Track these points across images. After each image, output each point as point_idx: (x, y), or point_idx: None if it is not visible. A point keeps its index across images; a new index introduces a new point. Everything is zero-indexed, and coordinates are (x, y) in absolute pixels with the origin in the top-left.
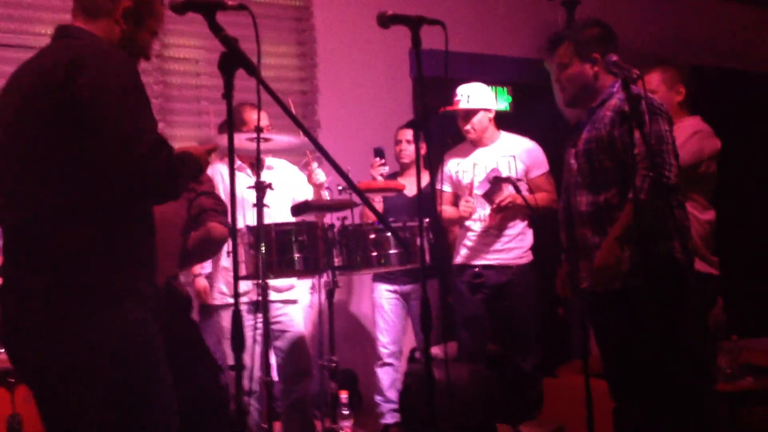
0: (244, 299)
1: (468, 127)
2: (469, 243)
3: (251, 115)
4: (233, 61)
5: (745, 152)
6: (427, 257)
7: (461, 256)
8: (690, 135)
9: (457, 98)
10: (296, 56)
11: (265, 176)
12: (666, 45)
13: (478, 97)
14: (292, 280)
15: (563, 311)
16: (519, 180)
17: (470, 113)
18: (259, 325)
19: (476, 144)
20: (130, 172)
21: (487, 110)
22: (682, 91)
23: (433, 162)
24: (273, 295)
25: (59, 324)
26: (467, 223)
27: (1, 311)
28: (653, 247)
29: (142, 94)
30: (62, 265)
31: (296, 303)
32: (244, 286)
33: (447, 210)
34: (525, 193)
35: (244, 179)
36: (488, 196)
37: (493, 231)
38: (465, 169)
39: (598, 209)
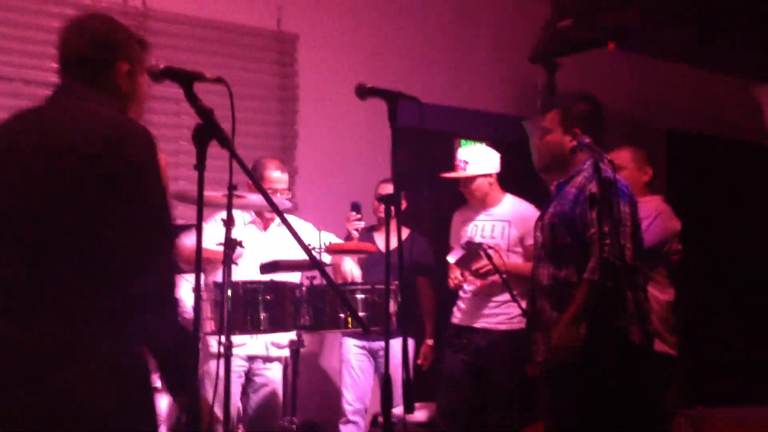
0: (240, 351)
1: (467, 193)
2: (461, 305)
3: (271, 173)
4: (207, 132)
5: (719, 215)
6: (393, 321)
7: (454, 316)
8: (654, 217)
9: (456, 162)
10: (277, 100)
11: (276, 232)
12: (642, 108)
13: (476, 162)
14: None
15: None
16: (490, 247)
17: (469, 180)
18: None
19: (480, 206)
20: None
21: (487, 175)
22: (649, 172)
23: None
24: (274, 351)
25: (49, 377)
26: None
27: None
28: (608, 326)
29: None
30: (59, 318)
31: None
32: (241, 339)
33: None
34: (498, 259)
35: (255, 232)
36: (463, 263)
37: (481, 296)
38: (467, 229)
39: (557, 284)
